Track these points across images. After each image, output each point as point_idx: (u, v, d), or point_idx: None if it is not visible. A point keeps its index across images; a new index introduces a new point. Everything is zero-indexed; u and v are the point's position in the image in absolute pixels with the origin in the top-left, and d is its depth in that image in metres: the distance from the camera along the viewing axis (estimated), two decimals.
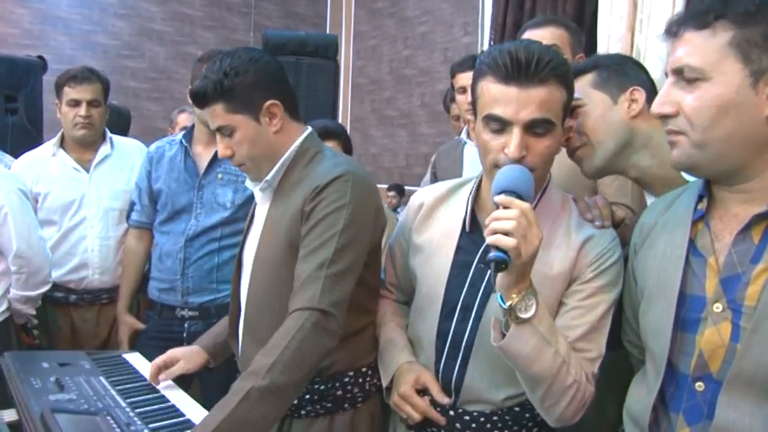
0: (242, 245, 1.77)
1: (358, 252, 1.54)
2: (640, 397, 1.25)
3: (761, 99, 1.06)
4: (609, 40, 3.41)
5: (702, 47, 1.08)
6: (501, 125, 1.28)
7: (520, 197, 1.20)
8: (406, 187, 6.59)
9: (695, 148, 1.11)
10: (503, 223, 1.15)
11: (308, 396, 1.62)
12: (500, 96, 1.27)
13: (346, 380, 1.64)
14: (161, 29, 6.86)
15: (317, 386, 1.61)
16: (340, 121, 6.65)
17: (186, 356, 1.83)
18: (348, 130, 2.88)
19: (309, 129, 1.72)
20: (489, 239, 1.16)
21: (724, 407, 1.06)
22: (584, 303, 1.34)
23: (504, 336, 1.25)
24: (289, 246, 1.57)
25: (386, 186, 6.79)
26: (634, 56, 3.37)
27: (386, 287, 1.72)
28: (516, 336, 1.21)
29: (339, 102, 6.62)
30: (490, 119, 1.29)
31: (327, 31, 7.50)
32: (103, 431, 1.44)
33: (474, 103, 1.37)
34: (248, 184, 1.74)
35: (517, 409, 1.41)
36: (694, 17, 1.11)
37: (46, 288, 2.45)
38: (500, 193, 1.21)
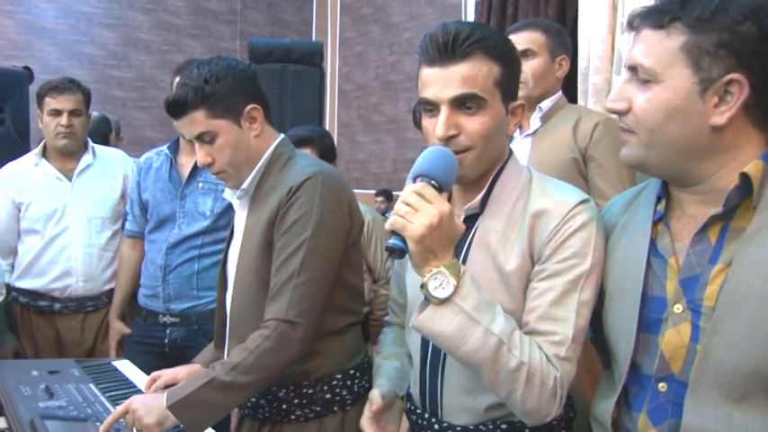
0: (225, 256, 1.78)
1: (330, 253, 1.56)
2: (604, 397, 1.24)
3: (708, 108, 1.05)
4: (590, 43, 3.45)
5: (656, 48, 1.07)
6: (432, 107, 1.28)
7: (434, 180, 1.17)
8: (394, 192, 6.60)
9: (643, 148, 1.11)
10: (397, 206, 1.15)
11: (296, 400, 1.62)
12: (427, 79, 1.27)
13: (334, 382, 1.64)
14: (147, 38, 6.87)
15: (305, 390, 1.62)
16: (327, 127, 6.67)
17: (187, 376, 1.81)
18: (335, 137, 2.90)
19: (282, 135, 1.74)
20: (386, 225, 1.16)
21: (689, 412, 1.05)
22: (543, 284, 1.23)
23: None
24: (266, 249, 1.59)
25: (374, 192, 6.81)
26: (615, 59, 3.41)
27: (391, 307, 1.67)
28: (434, 316, 1.15)
29: (326, 108, 6.64)
30: (423, 103, 1.29)
31: (313, 38, 7.53)
32: None
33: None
34: (227, 194, 1.75)
35: (504, 426, 1.32)
36: (652, 15, 1.09)
37: None
38: (414, 180, 1.19)
